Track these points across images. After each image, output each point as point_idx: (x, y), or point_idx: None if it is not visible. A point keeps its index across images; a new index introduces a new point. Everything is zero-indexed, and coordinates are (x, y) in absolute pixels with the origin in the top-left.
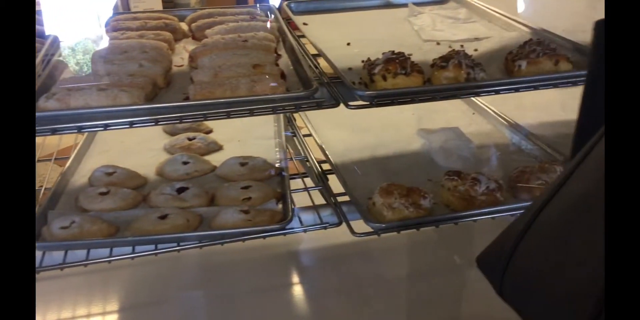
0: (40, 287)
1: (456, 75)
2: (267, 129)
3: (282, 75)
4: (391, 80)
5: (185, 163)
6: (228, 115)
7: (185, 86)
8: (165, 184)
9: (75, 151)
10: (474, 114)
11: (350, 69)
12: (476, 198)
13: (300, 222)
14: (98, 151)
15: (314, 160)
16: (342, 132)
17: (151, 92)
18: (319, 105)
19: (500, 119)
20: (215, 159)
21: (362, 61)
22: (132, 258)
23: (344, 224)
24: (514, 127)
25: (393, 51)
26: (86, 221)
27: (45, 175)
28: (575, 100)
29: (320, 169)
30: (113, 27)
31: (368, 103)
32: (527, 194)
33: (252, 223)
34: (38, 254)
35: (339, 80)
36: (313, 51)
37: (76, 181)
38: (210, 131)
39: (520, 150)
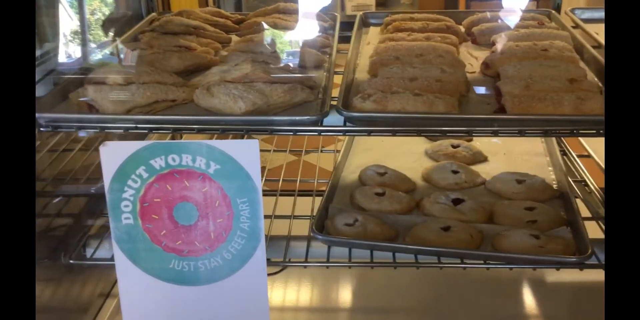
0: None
1: None
2: (534, 144)
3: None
4: None
5: (455, 172)
6: (545, 133)
7: (488, 95)
8: (438, 192)
9: (343, 147)
10: None
11: None
12: None
13: (597, 257)
14: (362, 148)
15: (595, 185)
16: None
17: (459, 101)
18: None
19: None
20: (482, 170)
21: None
22: (417, 267)
23: None
24: None
25: None
26: (369, 221)
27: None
28: None
29: (602, 197)
30: (395, 27)
31: None
32: None
33: (544, 250)
34: (323, 247)
35: None
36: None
37: (346, 177)
38: (471, 139)
39: None
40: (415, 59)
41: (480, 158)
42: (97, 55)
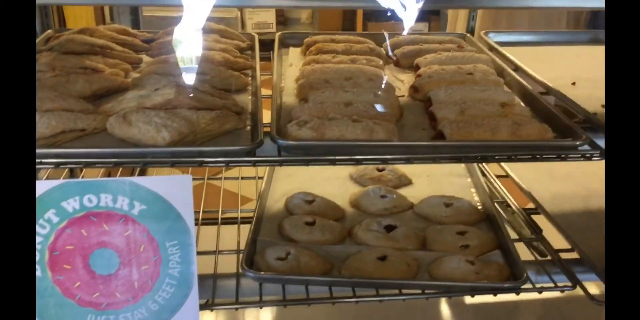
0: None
1: None
2: (455, 165)
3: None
4: None
5: (383, 197)
6: (483, 159)
7: (419, 120)
8: (370, 219)
9: (266, 173)
10: None
11: (595, 113)
12: None
13: (530, 281)
14: (284, 174)
15: (517, 206)
16: (542, 177)
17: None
18: (585, 158)
19: None
20: (408, 193)
21: (602, 105)
22: (356, 302)
23: None
24: None
25: None
26: (302, 254)
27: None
28: None
29: (529, 217)
30: (318, 49)
31: None
32: None
33: (481, 277)
34: (254, 284)
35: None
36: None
37: (272, 206)
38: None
39: None
40: (345, 82)
41: (405, 181)
42: None
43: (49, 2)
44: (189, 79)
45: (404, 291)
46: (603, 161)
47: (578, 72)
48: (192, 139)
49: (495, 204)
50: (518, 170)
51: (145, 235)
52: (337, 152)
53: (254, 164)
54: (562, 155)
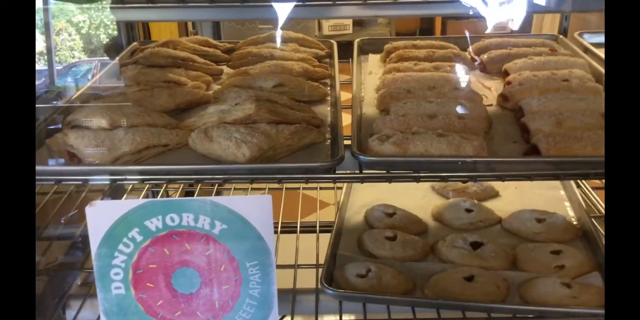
0: None
1: None
2: None
3: None
4: None
5: (468, 211)
6: (584, 177)
7: (509, 132)
8: (454, 234)
9: (345, 185)
10: None
11: None
12: None
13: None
14: (364, 185)
15: None
16: None
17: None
18: None
19: None
20: (495, 207)
21: None
22: None
23: None
24: None
25: None
26: (384, 272)
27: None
28: None
29: None
30: (399, 56)
31: None
32: None
33: (578, 301)
34: (334, 301)
35: None
36: None
37: (351, 218)
38: None
39: None
40: (428, 92)
41: (491, 193)
42: (73, 88)
43: (132, 19)
44: (269, 92)
45: (492, 315)
46: None
47: None
48: (272, 154)
49: (593, 220)
50: None
51: (226, 255)
52: (422, 168)
53: (334, 181)
54: None
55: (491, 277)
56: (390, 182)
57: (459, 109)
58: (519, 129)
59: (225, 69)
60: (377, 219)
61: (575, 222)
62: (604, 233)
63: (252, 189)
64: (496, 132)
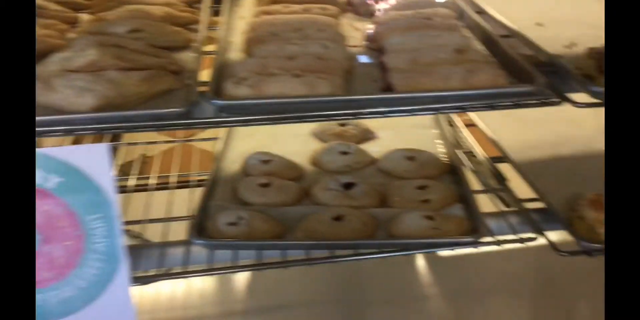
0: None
1: None
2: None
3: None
4: None
5: (344, 153)
6: (437, 111)
7: (370, 72)
8: (327, 177)
9: (222, 133)
10: None
11: (559, 56)
12: None
13: (491, 233)
14: (244, 134)
15: (485, 156)
16: (510, 124)
17: (344, 79)
18: (545, 104)
19: None
20: (372, 148)
21: (565, 46)
22: (309, 264)
23: None
24: None
25: None
26: (255, 218)
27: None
28: None
29: (494, 167)
30: None
31: (601, 101)
32: None
33: (440, 232)
34: (204, 252)
35: (547, 70)
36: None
37: (228, 167)
38: None
39: None
40: (293, 34)
41: (369, 135)
42: None
43: None
44: (121, 37)
45: (361, 251)
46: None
47: (547, 12)
48: (120, 103)
49: (463, 155)
50: (488, 118)
51: (65, 210)
52: (277, 110)
53: (188, 127)
54: (519, 103)
55: (359, 215)
56: (247, 125)
57: (320, 50)
58: (380, 68)
59: (85, 16)
60: (253, 166)
61: (444, 158)
62: (471, 166)
63: (148, 143)
64: (359, 73)
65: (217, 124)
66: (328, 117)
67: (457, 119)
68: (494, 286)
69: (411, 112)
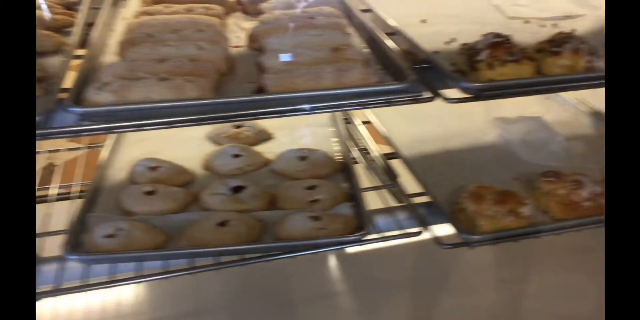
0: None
1: (574, 64)
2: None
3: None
4: (499, 68)
5: (236, 156)
6: (311, 111)
7: (250, 72)
8: (217, 181)
9: (110, 140)
10: (547, 99)
11: (436, 52)
12: (579, 204)
13: (377, 229)
14: (134, 139)
15: (379, 152)
16: (404, 120)
17: (217, 81)
18: (416, 100)
19: (579, 105)
20: (268, 149)
21: (446, 42)
22: (193, 273)
23: None
24: (597, 114)
25: (497, 33)
26: (135, 228)
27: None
28: None
29: (386, 164)
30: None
31: (471, 96)
32: None
33: (325, 232)
34: (79, 267)
35: (425, 66)
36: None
37: (114, 175)
38: None
39: None
40: (171, 36)
41: (265, 136)
42: None
43: None
44: None
45: (246, 256)
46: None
47: (433, 8)
48: None
49: (358, 152)
50: (383, 115)
51: None
52: (142, 116)
53: (44, 137)
54: (392, 100)
55: (245, 219)
56: (110, 133)
57: (194, 51)
58: (257, 68)
59: None
60: (140, 174)
61: (337, 157)
62: (365, 163)
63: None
64: (238, 74)
65: (76, 133)
66: (199, 122)
67: (355, 116)
68: (400, 279)
69: (284, 114)
